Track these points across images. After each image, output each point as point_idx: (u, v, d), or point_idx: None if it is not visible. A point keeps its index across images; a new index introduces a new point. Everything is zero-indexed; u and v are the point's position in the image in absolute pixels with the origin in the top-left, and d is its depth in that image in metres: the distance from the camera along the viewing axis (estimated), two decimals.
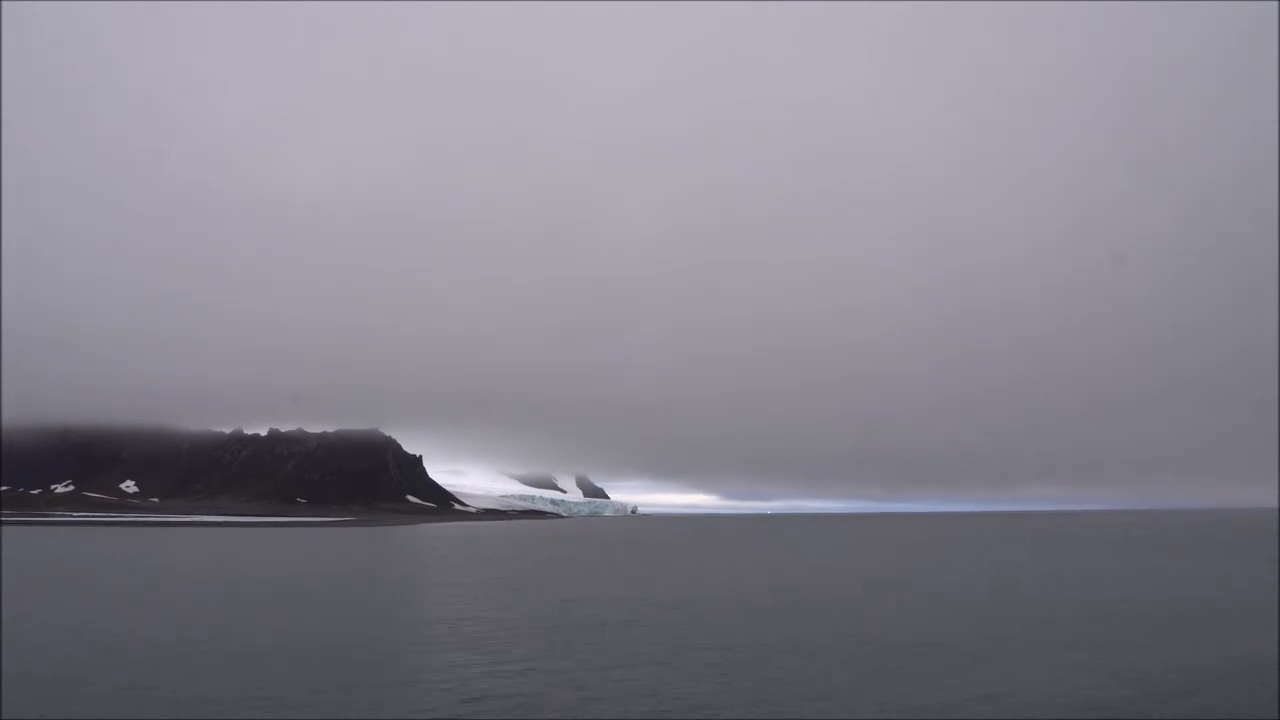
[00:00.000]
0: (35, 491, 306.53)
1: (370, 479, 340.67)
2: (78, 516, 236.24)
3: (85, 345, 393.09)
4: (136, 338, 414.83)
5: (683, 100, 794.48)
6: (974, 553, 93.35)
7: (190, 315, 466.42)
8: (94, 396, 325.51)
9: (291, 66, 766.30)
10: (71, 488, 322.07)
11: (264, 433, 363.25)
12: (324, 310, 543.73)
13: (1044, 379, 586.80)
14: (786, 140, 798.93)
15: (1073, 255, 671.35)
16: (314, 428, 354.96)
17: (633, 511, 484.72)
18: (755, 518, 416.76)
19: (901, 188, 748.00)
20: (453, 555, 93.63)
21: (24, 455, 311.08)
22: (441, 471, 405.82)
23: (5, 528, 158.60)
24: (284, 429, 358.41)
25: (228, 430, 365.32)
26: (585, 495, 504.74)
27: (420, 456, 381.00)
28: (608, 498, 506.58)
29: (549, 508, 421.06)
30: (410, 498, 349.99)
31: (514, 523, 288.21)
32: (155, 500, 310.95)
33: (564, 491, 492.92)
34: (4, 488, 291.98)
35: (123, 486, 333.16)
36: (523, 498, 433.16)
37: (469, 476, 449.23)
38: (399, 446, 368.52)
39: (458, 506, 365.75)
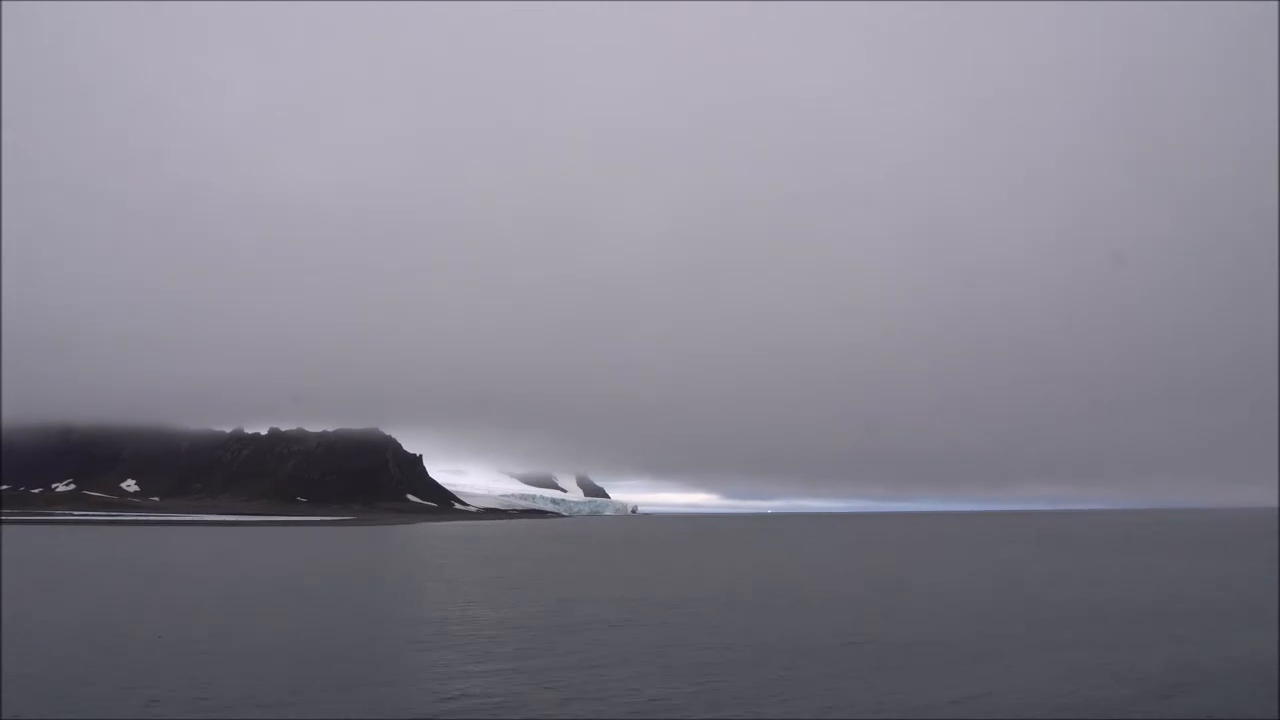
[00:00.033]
0: (36, 490, 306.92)
1: (370, 478, 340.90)
2: (78, 515, 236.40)
3: (85, 345, 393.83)
4: (137, 337, 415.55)
5: (683, 100, 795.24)
6: (975, 552, 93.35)
7: (190, 315, 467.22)
8: (95, 396, 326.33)
9: (291, 66, 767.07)
10: (72, 487, 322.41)
11: (264, 432, 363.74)
12: (324, 310, 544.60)
13: (1044, 379, 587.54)
14: (786, 140, 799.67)
15: (1073, 255, 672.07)
16: (314, 427, 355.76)
17: (633, 511, 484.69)
18: (756, 517, 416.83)
19: (901, 188, 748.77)
20: (452, 554, 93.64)
21: (25, 454, 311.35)
22: (442, 471, 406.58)
23: (6, 526, 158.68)
24: (284, 428, 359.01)
25: (228, 430, 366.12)
26: (586, 495, 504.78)
27: (420, 456, 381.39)
28: (608, 497, 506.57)
29: (549, 507, 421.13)
30: (410, 497, 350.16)
31: (514, 522, 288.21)
32: (156, 499, 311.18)
33: (564, 491, 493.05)
34: (5, 486, 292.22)
35: (123, 485, 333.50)
36: (523, 497, 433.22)
37: (469, 476, 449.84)
38: (399, 446, 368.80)
39: (458, 506, 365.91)
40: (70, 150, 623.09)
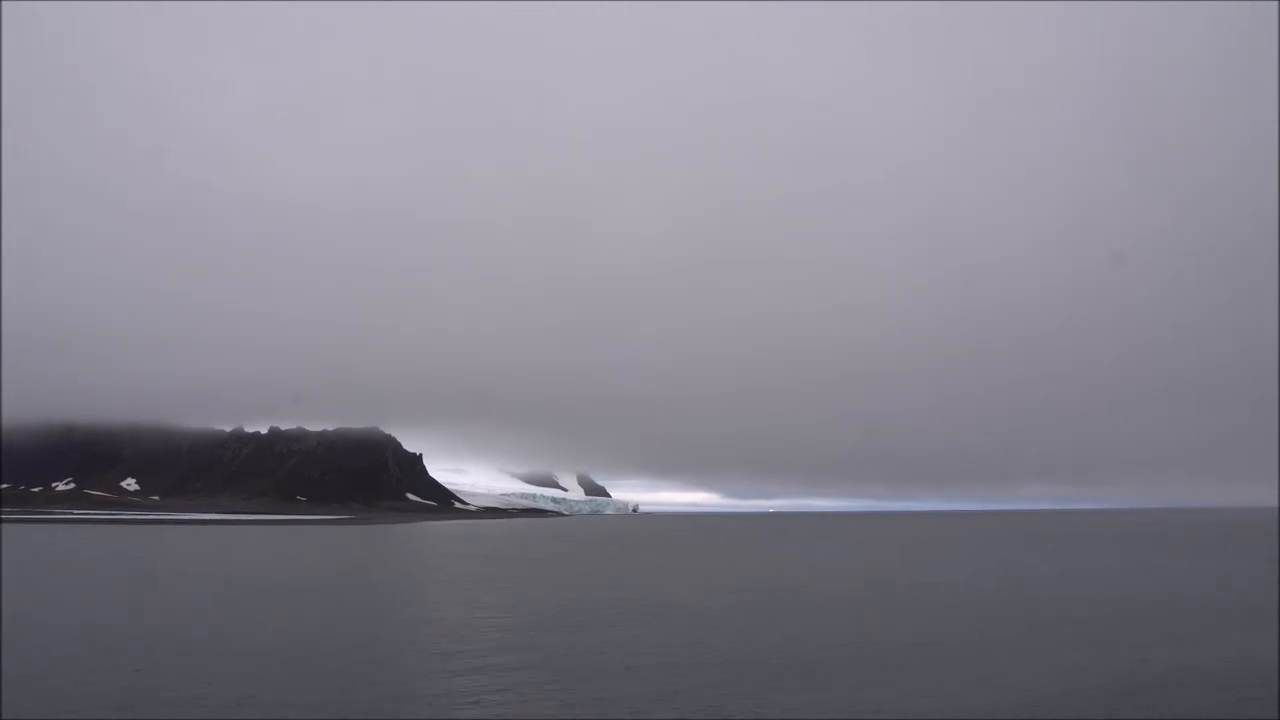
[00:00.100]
0: (36, 489, 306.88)
1: (370, 477, 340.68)
2: (79, 514, 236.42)
3: (85, 345, 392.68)
4: (137, 337, 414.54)
5: (683, 100, 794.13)
6: (976, 552, 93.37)
7: (190, 315, 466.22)
8: (95, 395, 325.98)
9: (291, 66, 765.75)
10: (72, 485, 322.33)
11: (264, 431, 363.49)
12: (324, 310, 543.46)
13: (1044, 379, 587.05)
14: (786, 140, 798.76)
15: (1073, 255, 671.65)
16: (314, 426, 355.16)
17: (634, 510, 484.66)
18: (757, 516, 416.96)
19: (901, 188, 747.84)
20: (450, 554, 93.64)
21: (25, 453, 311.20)
22: (442, 470, 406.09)
23: (6, 525, 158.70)
24: (284, 427, 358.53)
25: (228, 429, 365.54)
26: (587, 494, 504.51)
27: (420, 455, 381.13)
28: (609, 496, 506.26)
29: (550, 506, 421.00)
30: (410, 496, 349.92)
31: (514, 521, 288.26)
32: (156, 498, 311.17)
33: (565, 490, 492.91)
34: (5, 485, 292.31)
35: (124, 484, 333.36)
36: (524, 496, 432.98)
37: (470, 475, 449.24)
38: (399, 445, 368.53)
39: (458, 505, 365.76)
40: (70, 150, 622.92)
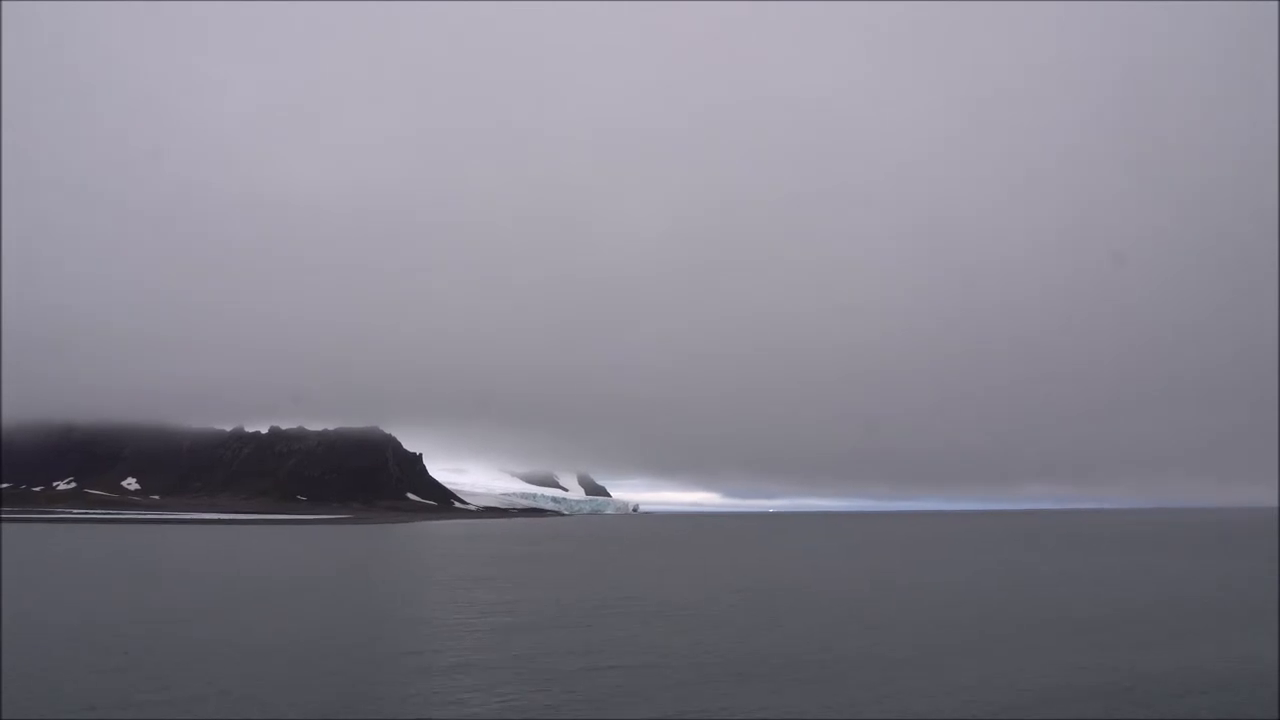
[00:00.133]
0: (37, 488, 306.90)
1: (370, 477, 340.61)
2: (79, 513, 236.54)
3: (86, 344, 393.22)
4: (137, 337, 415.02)
5: (683, 100, 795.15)
6: (976, 551, 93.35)
7: (190, 315, 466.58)
8: (95, 395, 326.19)
9: (291, 66, 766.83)
10: (73, 485, 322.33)
11: (264, 431, 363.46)
12: (324, 310, 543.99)
13: (1044, 379, 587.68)
14: (786, 140, 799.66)
15: (1073, 255, 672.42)
16: (314, 426, 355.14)
17: (634, 510, 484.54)
18: (757, 516, 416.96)
19: (901, 188, 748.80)
20: (450, 554, 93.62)
21: (26, 452, 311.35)
22: (442, 470, 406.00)
23: (7, 524, 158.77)
24: (284, 427, 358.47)
25: (228, 428, 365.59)
26: (587, 493, 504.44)
27: (420, 454, 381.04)
28: (609, 496, 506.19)
29: (550, 505, 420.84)
30: (410, 495, 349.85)
31: (515, 521, 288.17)
32: (156, 498, 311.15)
33: (565, 489, 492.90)
34: (6, 485, 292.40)
35: (124, 484, 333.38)
36: (524, 495, 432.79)
37: (470, 474, 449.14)
38: (399, 444, 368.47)
39: (458, 504, 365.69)
40: (70, 150, 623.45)
